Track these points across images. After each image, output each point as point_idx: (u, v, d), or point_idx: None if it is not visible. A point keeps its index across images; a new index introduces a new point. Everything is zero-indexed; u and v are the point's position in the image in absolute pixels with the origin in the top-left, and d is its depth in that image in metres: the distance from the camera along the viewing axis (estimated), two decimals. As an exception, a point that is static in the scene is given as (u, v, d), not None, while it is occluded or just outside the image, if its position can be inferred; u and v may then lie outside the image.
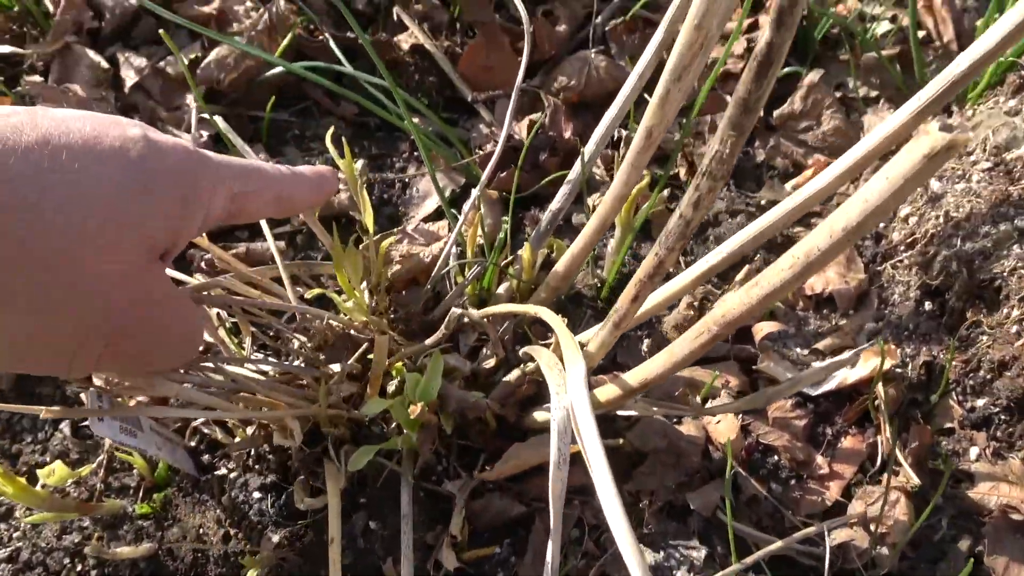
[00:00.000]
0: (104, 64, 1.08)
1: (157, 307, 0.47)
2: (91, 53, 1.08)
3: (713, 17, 0.59)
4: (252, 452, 0.77)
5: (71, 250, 0.40)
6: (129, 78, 1.07)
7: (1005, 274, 0.72)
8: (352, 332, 0.77)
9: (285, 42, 1.08)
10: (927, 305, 0.81)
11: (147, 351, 0.50)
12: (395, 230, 0.96)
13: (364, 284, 0.80)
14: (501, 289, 0.86)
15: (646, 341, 0.85)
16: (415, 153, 1.08)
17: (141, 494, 0.78)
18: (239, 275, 0.71)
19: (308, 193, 0.61)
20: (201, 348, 0.81)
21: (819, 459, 0.75)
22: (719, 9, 0.59)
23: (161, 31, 0.82)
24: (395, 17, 1.16)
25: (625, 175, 0.72)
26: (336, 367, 0.77)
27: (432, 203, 1.01)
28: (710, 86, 0.78)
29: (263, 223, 0.79)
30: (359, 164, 1.02)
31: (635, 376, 0.64)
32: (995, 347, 0.73)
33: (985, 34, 0.46)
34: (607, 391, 0.67)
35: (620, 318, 0.63)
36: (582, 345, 0.72)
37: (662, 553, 0.69)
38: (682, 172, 1.02)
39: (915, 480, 0.68)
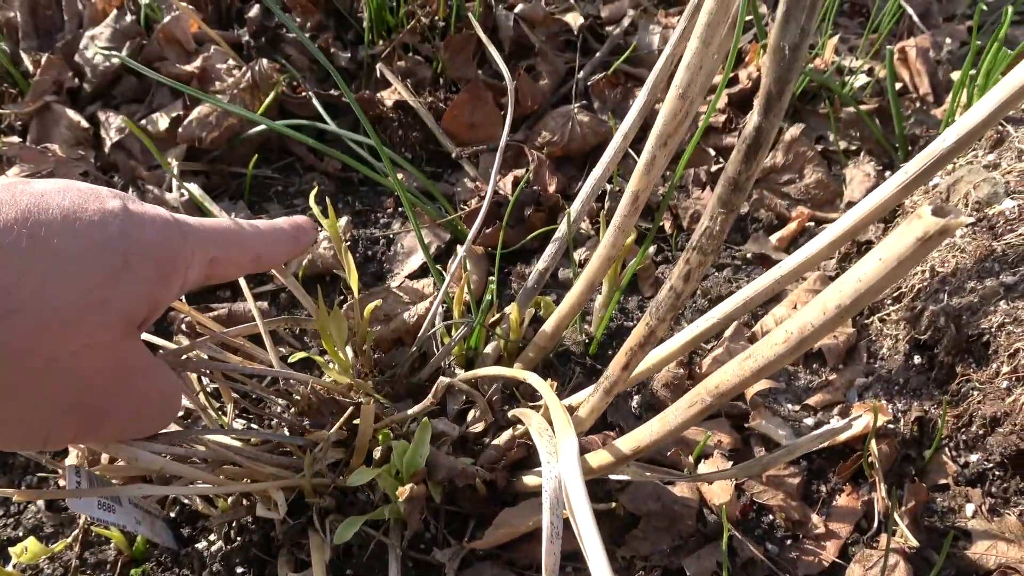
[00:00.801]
0: (84, 123, 1.07)
1: (133, 378, 0.47)
2: (71, 112, 1.07)
3: (696, 86, 0.60)
4: (234, 524, 0.75)
5: (47, 333, 0.39)
6: (109, 138, 1.06)
7: (993, 329, 0.72)
8: (337, 397, 0.76)
9: (268, 100, 1.08)
10: (916, 359, 0.81)
11: (125, 421, 0.49)
12: (380, 288, 0.95)
13: (348, 346, 0.79)
14: (488, 348, 0.85)
15: (636, 398, 0.84)
16: (399, 208, 1.07)
17: (118, 569, 0.75)
18: (218, 338, 0.69)
19: (285, 248, 0.61)
20: (181, 413, 0.79)
21: (815, 518, 0.74)
22: (702, 79, 0.60)
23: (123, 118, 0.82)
24: (378, 73, 1.16)
25: (612, 238, 0.72)
26: (321, 433, 0.75)
27: (417, 260, 1.00)
28: (695, 144, 0.78)
29: (242, 282, 0.78)
30: (343, 221, 1.02)
31: (627, 443, 0.63)
32: (986, 403, 0.72)
33: (970, 111, 0.47)
34: (598, 457, 0.66)
35: (611, 384, 0.62)
36: (572, 409, 0.71)
37: (659, 623, 0.67)
38: (667, 226, 1.02)
39: (913, 541, 0.67)
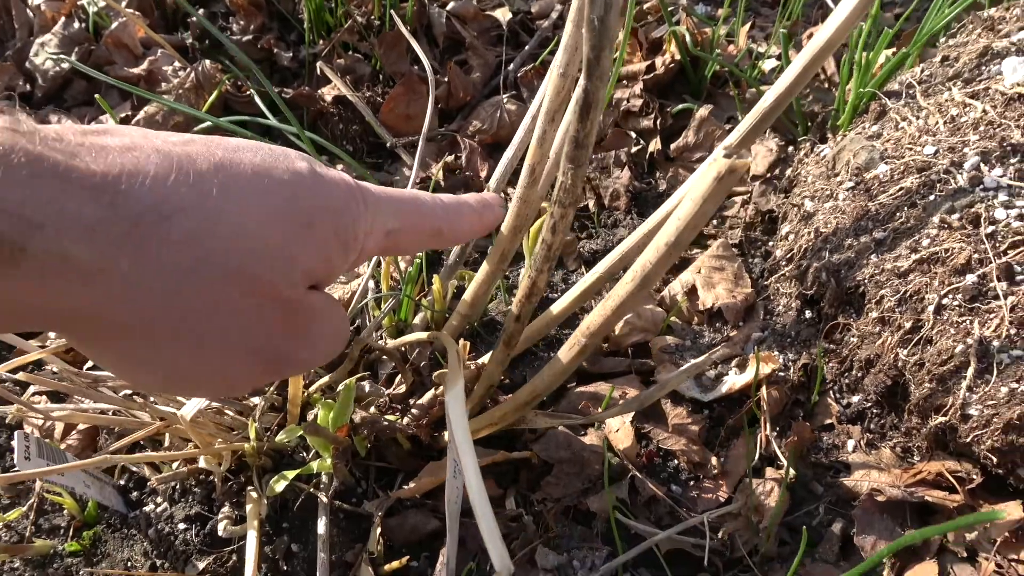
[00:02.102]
0: (36, 125, 1.12)
1: (311, 325, 0.47)
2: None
3: (574, 66, 0.67)
4: (178, 486, 0.81)
5: (233, 284, 0.39)
6: (61, 138, 1.12)
7: (866, 280, 0.79)
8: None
9: (212, 98, 1.14)
10: (807, 314, 0.89)
11: (305, 361, 0.49)
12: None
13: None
14: (417, 320, 0.91)
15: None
16: (340, 197, 1.13)
17: (71, 533, 0.81)
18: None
19: (469, 224, 0.59)
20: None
21: (713, 460, 0.81)
22: (579, 58, 0.67)
23: (97, 96, 0.88)
24: (319, 71, 1.23)
25: (516, 208, 0.78)
26: (257, 400, 0.81)
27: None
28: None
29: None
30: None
31: (525, 391, 0.70)
32: (862, 347, 0.80)
33: (783, 75, 0.54)
34: (503, 408, 0.73)
35: (508, 336, 0.69)
36: (482, 366, 0.78)
37: (565, 555, 0.74)
38: (591, 205, 1.09)
39: (791, 472, 0.74)
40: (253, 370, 0.44)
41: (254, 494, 0.76)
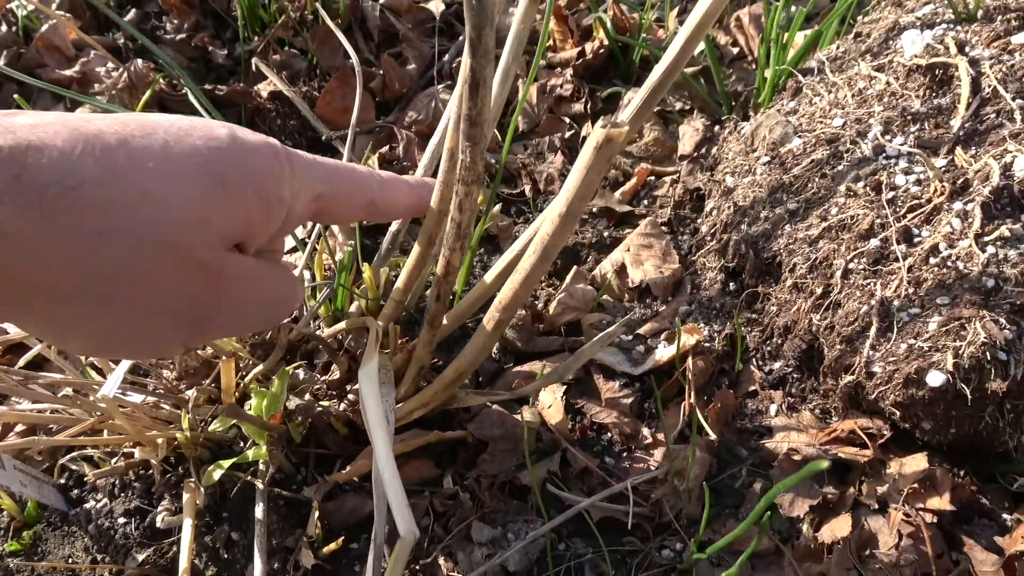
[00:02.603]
0: (-33, 131, 1.11)
1: (235, 287, 0.47)
2: (-47, 122, 1.11)
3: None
4: (117, 482, 0.82)
5: (143, 249, 0.41)
6: (-7, 143, 1.11)
7: (781, 250, 0.82)
8: (212, 359, 0.83)
9: (145, 97, 1.14)
10: (730, 286, 0.92)
11: (232, 324, 0.50)
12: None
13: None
14: (352, 308, 0.93)
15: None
16: (279, 192, 1.14)
17: (11, 533, 0.81)
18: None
19: (406, 199, 0.60)
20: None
21: (645, 431, 0.84)
22: (489, 49, 0.68)
23: (16, 96, 0.88)
24: (254, 67, 1.23)
25: (440, 192, 0.80)
26: (191, 392, 0.82)
27: (288, 239, 1.07)
28: (520, 107, 0.87)
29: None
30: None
31: (451, 369, 0.72)
32: (780, 315, 0.83)
33: (667, 50, 0.56)
34: (432, 387, 0.75)
35: (432, 317, 0.71)
36: (412, 349, 0.80)
37: (500, 528, 0.76)
38: (527, 190, 1.11)
39: (712, 435, 0.77)
40: (175, 331, 0.46)
41: (192, 484, 0.77)
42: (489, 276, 0.75)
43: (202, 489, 0.77)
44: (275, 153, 0.47)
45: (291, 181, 0.48)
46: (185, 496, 0.75)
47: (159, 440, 0.77)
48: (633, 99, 0.60)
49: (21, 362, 0.83)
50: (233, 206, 0.44)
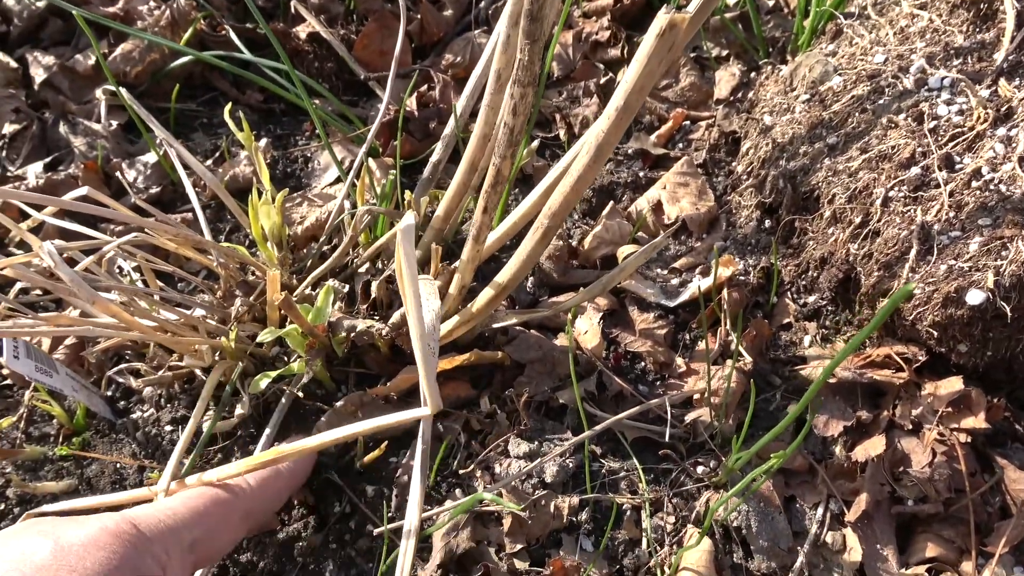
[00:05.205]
0: (13, 64, 1.14)
1: None
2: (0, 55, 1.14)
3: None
4: (164, 392, 0.84)
5: None
6: (38, 76, 1.13)
7: (820, 183, 0.83)
8: (251, 279, 0.85)
9: (187, 34, 1.15)
10: (767, 223, 0.92)
11: None
12: (296, 194, 1.04)
13: (269, 243, 0.88)
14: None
15: (530, 279, 0.94)
16: (316, 132, 1.16)
17: (61, 440, 0.83)
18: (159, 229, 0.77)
19: (286, 484, 0.63)
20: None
21: (679, 360, 0.85)
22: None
23: (78, 15, 0.89)
24: (293, 10, 1.24)
25: (484, 116, 0.81)
26: (238, 303, 0.84)
27: (332, 174, 1.09)
28: (559, 33, 0.88)
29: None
30: (263, 142, 1.10)
31: (496, 281, 0.73)
32: (816, 247, 0.84)
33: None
34: (477, 302, 0.76)
35: (477, 231, 0.72)
36: (454, 270, 0.81)
37: (536, 443, 0.77)
38: (562, 134, 1.12)
39: (748, 359, 0.78)
40: None
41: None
42: (531, 198, 0.76)
43: (247, 396, 0.79)
44: (113, 541, 0.47)
45: (147, 556, 0.48)
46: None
47: (205, 348, 0.79)
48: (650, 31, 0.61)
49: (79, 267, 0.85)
50: None
